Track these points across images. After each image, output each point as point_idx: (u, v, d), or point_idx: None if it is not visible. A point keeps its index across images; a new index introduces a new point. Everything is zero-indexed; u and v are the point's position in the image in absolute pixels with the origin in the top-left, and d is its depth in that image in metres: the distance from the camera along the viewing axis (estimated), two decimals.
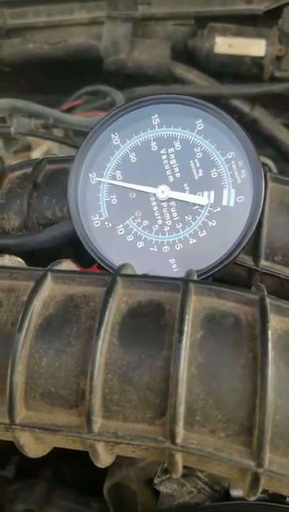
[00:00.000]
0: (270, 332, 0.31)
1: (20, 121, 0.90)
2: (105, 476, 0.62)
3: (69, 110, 1.08)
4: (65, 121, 0.94)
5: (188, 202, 0.47)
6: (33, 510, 0.68)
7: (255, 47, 1.07)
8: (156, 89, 1.09)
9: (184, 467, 0.33)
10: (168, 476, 0.51)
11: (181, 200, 0.47)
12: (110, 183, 0.48)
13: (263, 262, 0.48)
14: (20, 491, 0.71)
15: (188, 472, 0.50)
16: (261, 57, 1.07)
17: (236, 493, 0.50)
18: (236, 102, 1.12)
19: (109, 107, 1.04)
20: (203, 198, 0.47)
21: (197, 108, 0.47)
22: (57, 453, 0.37)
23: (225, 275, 0.48)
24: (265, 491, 0.45)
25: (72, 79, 1.13)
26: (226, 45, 1.08)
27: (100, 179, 0.48)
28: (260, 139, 1.14)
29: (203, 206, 0.47)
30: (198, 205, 0.47)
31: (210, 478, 0.51)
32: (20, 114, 0.90)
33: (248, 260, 0.48)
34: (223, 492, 0.51)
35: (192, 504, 0.51)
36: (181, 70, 1.12)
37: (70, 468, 0.76)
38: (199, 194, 0.47)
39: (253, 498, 0.32)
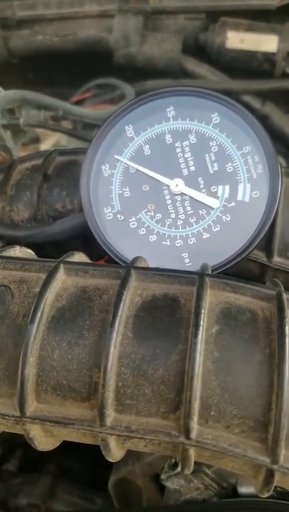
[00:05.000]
0: (287, 328, 0.30)
1: (29, 112, 0.90)
2: (110, 470, 0.61)
3: (78, 103, 1.07)
4: (75, 114, 0.94)
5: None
6: (36, 504, 0.68)
7: (267, 43, 1.06)
8: (166, 83, 1.07)
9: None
10: (176, 471, 0.51)
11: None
12: (123, 176, 0.48)
13: (276, 258, 0.47)
14: (24, 484, 0.71)
15: (196, 468, 0.50)
16: (273, 53, 1.06)
17: (244, 490, 0.50)
18: (247, 98, 1.10)
19: (119, 100, 1.03)
20: (215, 201, 0.46)
21: (213, 101, 0.47)
22: (61, 447, 0.37)
23: (237, 271, 0.48)
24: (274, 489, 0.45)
25: (82, 72, 1.12)
26: (237, 40, 1.06)
27: (113, 171, 0.48)
28: (270, 136, 1.13)
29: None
30: (210, 206, 0.46)
31: (217, 475, 0.50)
32: (29, 105, 0.89)
33: (260, 256, 0.48)
34: (230, 489, 0.50)
35: (199, 500, 0.50)
36: (191, 64, 1.11)
37: (75, 462, 0.76)
38: (214, 188, 0.46)
39: (266, 495, 0.32)
